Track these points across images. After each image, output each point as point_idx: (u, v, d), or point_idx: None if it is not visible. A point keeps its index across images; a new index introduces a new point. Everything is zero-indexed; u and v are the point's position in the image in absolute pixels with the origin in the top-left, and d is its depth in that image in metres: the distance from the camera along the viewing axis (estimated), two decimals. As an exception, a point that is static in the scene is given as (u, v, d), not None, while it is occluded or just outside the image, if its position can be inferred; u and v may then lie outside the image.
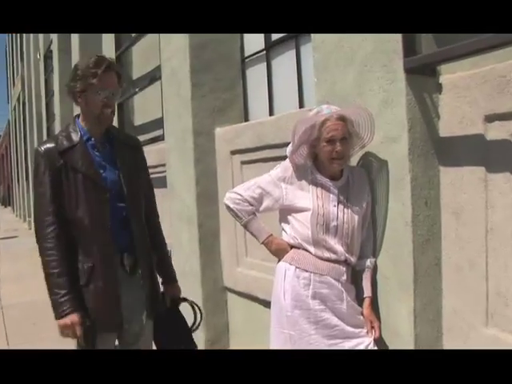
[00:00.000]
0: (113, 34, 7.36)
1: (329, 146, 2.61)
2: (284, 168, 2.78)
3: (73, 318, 2.42)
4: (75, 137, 2.58)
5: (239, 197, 2.80)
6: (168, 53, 5.25)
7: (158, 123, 6.06)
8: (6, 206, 36.27)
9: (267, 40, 4.64)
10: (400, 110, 2.59)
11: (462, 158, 2.58)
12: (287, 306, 2.65)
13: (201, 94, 4.74)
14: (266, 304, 3.90)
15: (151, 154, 5.72)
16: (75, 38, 9.94)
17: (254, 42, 4.82)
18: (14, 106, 25.23)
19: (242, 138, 4.32)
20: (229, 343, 4.79)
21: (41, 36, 15.50)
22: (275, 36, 4.54)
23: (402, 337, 2.70)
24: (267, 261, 3.64)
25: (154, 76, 6.03)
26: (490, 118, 2.43)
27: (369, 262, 2.78)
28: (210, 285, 4.76)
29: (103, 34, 7.90)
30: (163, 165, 5.46)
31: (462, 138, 2.56)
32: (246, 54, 4.97)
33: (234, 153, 4.51)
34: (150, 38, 6.33)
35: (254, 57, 4.86)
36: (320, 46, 3.13)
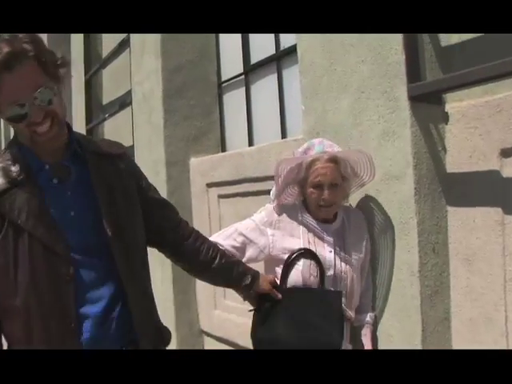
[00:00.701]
0: (82, 55, 7.08)
1: (315, 192, 2.25)
2: (269, 211, 2.41)
3: None
4: (16, 168, 1.57)
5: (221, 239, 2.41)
6: (139, 76, 4.95)
7: (130, 151, 5.73)
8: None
9: (246, 63, 4.36)
10: (404, 143, 2.27)
11: (473, 198, 2.27)
12: None
13: (174, 121, 4.45)
14: (247, 352, 3.57)
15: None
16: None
17: (231, 64, 4.55)
18: None
19: (219, 169, 4.01)
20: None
21: None
22: (255, 59, 4.26)
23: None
24: (249, 305, 3.30)
25: (124, 101, 5.73)
26: (506, 153, 2.13)
27: (369, 317, 2.43)
28: (185, 328, 4.43)
29: (72, 56, 7.61)
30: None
31: (474, 175, 2.25)
32: (223, 77, 4.69)
33: (210, 185, 4.20)
34: (121, 60, 6.04)
35: (232, 81, 4.58)
36: (308, 69, 2.80)
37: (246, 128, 4.36)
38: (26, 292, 1.50)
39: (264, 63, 4.12)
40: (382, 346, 2.46)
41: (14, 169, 1.56)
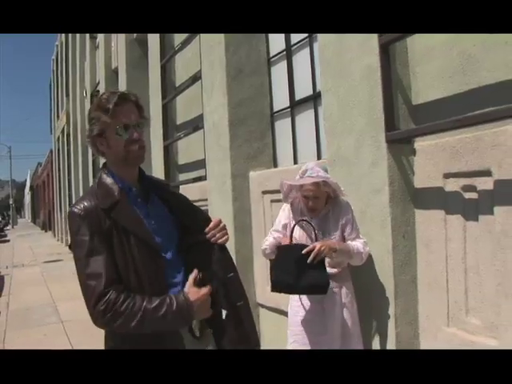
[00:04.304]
0: (159, 85, 8.44)
1: (305, 201, 3.58)
2: (281, 210, 3.82)
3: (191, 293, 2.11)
4: (115, 191, 2.15)
5: (267, 240, 3.78)
6: (209, 107, 6.30)
7: (199, 164, 7.08)
8: (46, 231, 37.50)
9: (292, 99, 5.67)
10: (382, 170, 3.58)
11: (429, 204, 3.54)
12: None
13: (237, 143, 5.76)
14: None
15: (194, 189, 6.78)
16: (123, 81, 11.09)
17: (281, 99, 5.85)
18: (58, 137, 26.31)
19: (271, 181, 5.30)
20: (260, 350, 5.72)
21: (87, 76, 16.81)
22: (298, 96, 5.56)
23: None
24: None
25: (197, 125, 7.03)
26: (447, 176, 3.38)
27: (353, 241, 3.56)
28: None
29: (150, 85, 9.00)
30: (205, 199, 6.44)
31: (430, 190, 3.52)
32: (275, 109, 5.99)
33: (264, 193, 5.50)
34: (192, 90, 7.34)
35: (281, 112, 5.87)
36: (329, 117, 4.16)
37: (292, 149, 5.68)
38: (136, 273, 2.07)
39: (304, 101, 5.44)
40: (366, 299, 3.76)
41: (114, 191, 2.14)
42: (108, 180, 2.18)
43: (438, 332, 3.48)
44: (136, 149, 2.14)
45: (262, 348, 5.36)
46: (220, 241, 2.23)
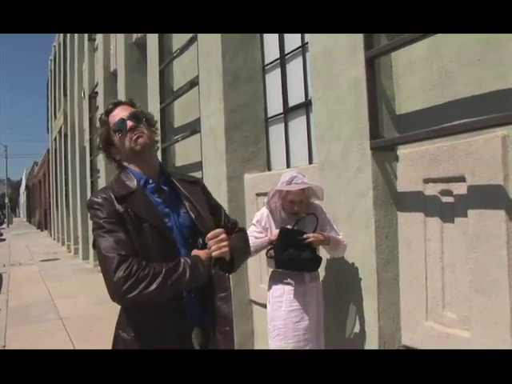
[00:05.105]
0: (158, 87, 8.66)
1: (290, 205, 3.92)
2: (260, 213, 4.12)
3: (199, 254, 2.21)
4: (131, 183, 2.25)
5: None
6: (206, 112, 6.55)
7: (196, 166, 7.29)
8: (42, 230, 37.63)
9: (285, 105, 5.93)
10: (367, 174, 3.86)
11: (410, 207, 3.81)
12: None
13: (233, 148, 6.01)
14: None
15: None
16: (121, 83, 11.32)
17: (275, 105, 6.12)
18: (55, 137, 26.37)
19: (265, 183, 5.56)
20: (253, 345, 6.01)
21: (85, 77, 16.97)
22: (292, 103, 5.83)
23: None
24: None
25: (194, 129, 7.25)
26: (426, 181, 3.66)
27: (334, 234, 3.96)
28: (239, 299, 5.92)
29: (148, 87, 9.23)
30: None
31: (411, 194, 3.80)
32: (269, 114, 6.25)
33: (258, 195, 5.76)
34: (190, 95, 7.58)
35: (275, 118, 6.13)
36: (318, 124, 4.44)
37: (285, 153, 5.93)
38: (150, 258, 2.10)
39: (297, 107, 5.70)
40: (352, 295, 4.04)
41: (130, 183, 2.25)
42: (125, 174, 2.30)
43: (418, 325, 3.76)
44: (135, 137, 2.26)
45: (255, 342, 5.66)
46: (214, 253, 2.18)
